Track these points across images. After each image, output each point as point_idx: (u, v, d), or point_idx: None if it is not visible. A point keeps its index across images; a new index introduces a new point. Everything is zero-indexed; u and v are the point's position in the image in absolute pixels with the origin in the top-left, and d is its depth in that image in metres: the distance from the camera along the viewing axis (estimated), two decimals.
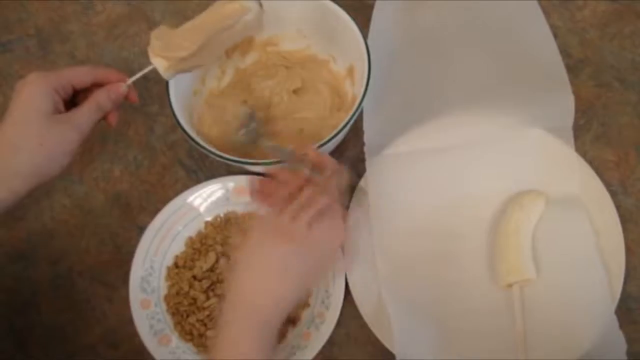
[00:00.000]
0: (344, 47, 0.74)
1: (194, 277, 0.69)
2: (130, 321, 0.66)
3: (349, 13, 0.71)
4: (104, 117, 0.66)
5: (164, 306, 0.68)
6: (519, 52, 0.77)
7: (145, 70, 0.66)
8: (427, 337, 0.65)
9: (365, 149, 0.71)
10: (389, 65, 0.76)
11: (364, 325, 0.66)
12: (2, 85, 0.83)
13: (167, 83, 0.69)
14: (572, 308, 0.65)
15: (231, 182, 0.72)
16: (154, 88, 0.80)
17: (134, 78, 0.67)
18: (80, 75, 0.65)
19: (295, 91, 0.76)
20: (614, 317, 0.64)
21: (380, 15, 0.79)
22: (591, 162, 0.71)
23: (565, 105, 0.72)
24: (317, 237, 0.60)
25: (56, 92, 0.63)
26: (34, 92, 0.62)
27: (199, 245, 0.71)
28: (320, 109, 0.75)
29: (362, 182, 0.71)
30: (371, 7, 0.80)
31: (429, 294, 0.68)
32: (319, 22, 0.75)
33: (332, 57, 0.77)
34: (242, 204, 0.72)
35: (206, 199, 0.72)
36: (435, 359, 0.64)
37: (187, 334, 0.67)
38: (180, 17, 0.84)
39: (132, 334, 0.66)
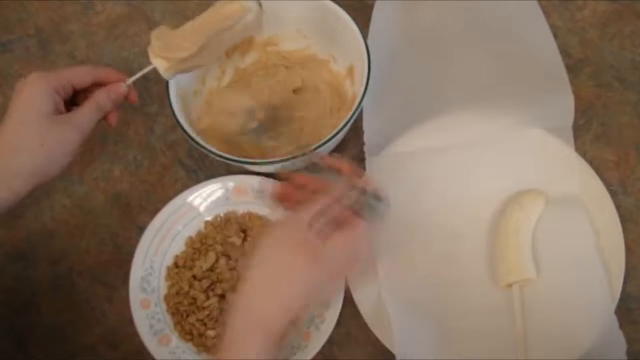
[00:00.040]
0: (344, 47, 0.74)
1: (194, 277, 0.69)
2: (130, 321, 0.66)
3: (349, 13, 0.72)
4: (104, 117, 0.66)
5: (163, 306, 0.68)
6: (519, 52, 0.77)
7: (145, 70, 0.67)
8: (427, 337, 0.65)
9: (365, 148, 0.71)
10: (389, 65, 0.76)
11: (363, 325, 0.66)
12: (2, 85, 0.83)
13: (167, 83, 0.69)
14: (572, 308, 0.65)
15: (231, 182, 0.72)
16: (154, 88, 0.80)
17: (134, 78, 0.67)
18: (80, 75, 0.65)
19: (295, 91, 0.76)
20: (614, 317, 0.64)
21: (380, 15, 0.79)
22: (591, 162, 0.71)
23: (565, 105, 0.72)
24: (331, 250, 0.57)
25: (56, 92, 0.63)
26: (34, 93, 0.62)
27: (199, 245, 0.71)
28: (320, 109, 0.75)
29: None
30: (371, 7, 0.80)
31: (428, 294, 0.68)
32: (318, 22, 0.75)
33: (332, 57, 0.77)
34: (242, 203, 0.72)
35: (206, 198, 0.72)
36: (435, 359, 0.64)
37: (187, 334, 0.67)
38: (180, 17, 0.84)
39: (132, 334, 0.66)
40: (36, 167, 0.62)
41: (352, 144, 0.74)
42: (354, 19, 0.71)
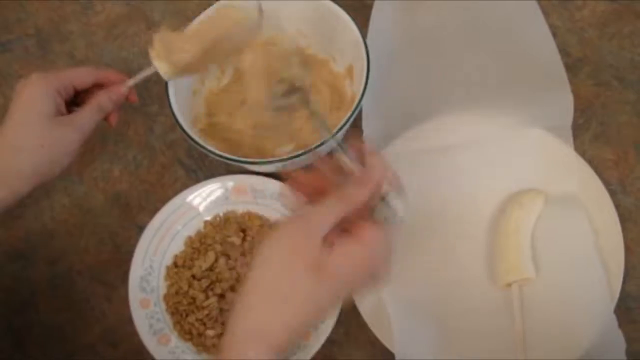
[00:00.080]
0: (343, 47, 0.74)
1: (193, 277, 0.69)
2: (129, 320, 0.66)
3: (348, 13, 0.72)
4: (105, 118, 0.66)
5: (163, 305, 0.68)
6: (518, 51, 0.77)
7: (147, 73, 0.67)
8: (427, 337, 0.65)
9: None
10: (388, 65, 0.77)
11: (363, 325, 0.66)
12: (1, 85, 0.83)
13: (166, 83, 0.69)
14: (571, 307, 0.65)
15: (230, 182, 0.72)
16: (154, 88, 0.80)
17: (135, 80, 0.67)
18: (81, 76, 0.65)
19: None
20: (613, 316, 0.64)
21: (379, 15, 0.79)
22: (590, 161, 0.71)
23: (564, 104, 0.72)
24: (340, 265, 0.49)
25: (58, 93, 0.63)
26: (36, 93, 0.62)
27: (198, 244, 0.71)
28: (320, 108, 0.75)
29: None
30: (370, 7, 0.80)
31: (428, 294, 0.68)
32: (318, 22, 0.75)
33: (331, 56, 0.77)
34: (242, 203, 0.72)
35: (205, 198, 0.72)
36: (434, 359, 0.64)
37: (187, 334, 0.67)
38: (179, 17, 0.84)
39: (132, 333, 0.66)
40: (37, 167, 0.62)
41: None
42: (354, 19, 0.71)
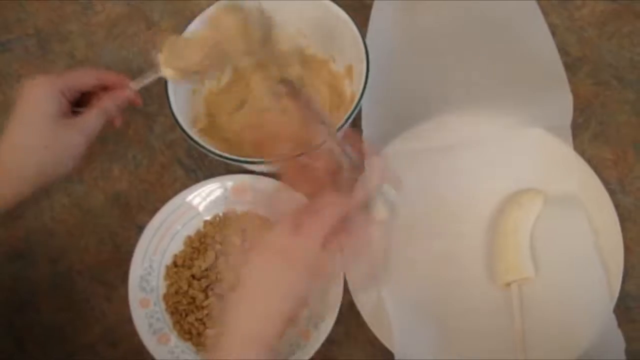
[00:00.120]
0: (343, 47, 0.74)
1: (193, 276, 0.69)
2: (129, 320, 0.66)
3: (347, 13, 0.72)
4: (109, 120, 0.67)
5: (163, 305, 0.68)
6: (518, 51, 0.77)
7: (152, 78, 0.67)
8: (427, 337, 0.65)
9: None
10: (388, 65, 0.76)
11: (363, 324, 0.66)
12: (1, 85, 0.83)
13: (166, 83, 0.69)
14: (570, 307, 0.65)
15: (230, 181, 0.72)
16: (154, 88, 0.79)
17: (140, 84, 0.67)
18: (85, 78, 0.66)
19: None
20: (613, 315, 0.64)
21: (378, 15, 0.79)
22: (589, 161, 0.71)
23: (563, 104, 0.72)
24: (327, 260, 0.53)
25: (62, 95, 0.63)
26: (41, 95, 0.62)
27: (198, 244, 0.71)
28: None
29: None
30: (370, 7, 0.79)
31: (428, 294, 0.68)
32: (318, 22, 0.75)
33: (331, 56, 0.77)
34: (241, 203, 0.72)
35: (205, 198, 0.72)
36: (434, 359, 0.64)
37: (186, 333, 0.67)
38: (179, 17, 0.85)
39: (131, 333, 0.66)
40: (41, 167, 0.62)
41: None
42: (353, 19, 0.71)
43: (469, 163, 0.72)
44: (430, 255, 0.69)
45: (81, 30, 0.86)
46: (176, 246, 0.71)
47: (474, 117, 0.73)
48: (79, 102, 0.66)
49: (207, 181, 0.72)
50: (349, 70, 0.74)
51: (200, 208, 0.72)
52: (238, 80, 0.78)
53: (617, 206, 0.68)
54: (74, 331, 0.70)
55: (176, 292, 0.68)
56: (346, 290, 0.66)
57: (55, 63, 0.84)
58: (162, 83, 0.69)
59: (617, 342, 0.62)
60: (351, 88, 0.74)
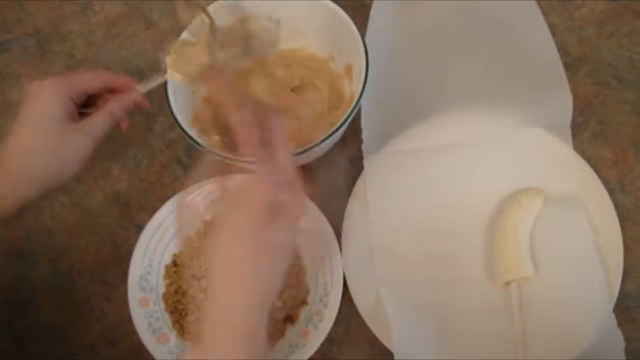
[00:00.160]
0: (342, 46, 0.74)
1: (193, 276, 0.69)
2: (128, 320, 0.66)
3: (347, 12, 0.72)
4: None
5: (162, 305, 0.68)
6: (517, 51, 0.77)
7: (158, 82, 0.67)
8: (426, 337, 0.65)
9: (363, 147, 0.71)
10: (387, 64, 0.77)
11: (362, 324, 0.66)
12: (0, 85, 0.83)
13: (165, 82, 0.69)
14: (570, 306, 0.65)
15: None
16: (154, 88, 0.79)
17: (146, 87, 0.67)
18: (92, 81, 0.66)
19: (294, 89, 0.76)
20: (612, 315, 0.64)
21: (377, 15, 0.79)
22: (589, 160, 0.71)
23: (563, 103, 0.72)
24: (279, 236, 0.53)
25: (69, 98, 0.63)
26: (48, 98, 0.62)
27: (198, 244, 0.71)
28: (319, 107, 0.75)
29: (360, 181, 0.72)
30: (369, 6, 0.80)
31: (427, 293, 0.68)
32: (318, 21, 0.75)
33: (331, 56, 0.77)
34: None
35: (205, 197, 0.72)
36: (434, 359, 0.64)
37: (186, 333, 0.67)
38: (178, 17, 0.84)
39: (131, 332, 0.66)
40: (48, 170, 0.62)
41: (350, 143, 0.75)
42: (353, 19, 0.71)
43: (469, 163, 0.72)
44: (430, 255, 0.69)
45: (80, 30, 0.86)
46: (176, 246, 0.71)
47: (474, 116, 0.73)
48: (86, 103, 0.66)
49: (207, 181, 0.72)
50: (349, 69, 0.74)
51: (200, 208, 0.72)
52: (237, 79, 0.78)
53: (616, 206, 0.68)
54: (73, 331, 0.70)
55: (176, 292, 0.68)
56: (346, 290, 0.66)
57: (55, 63, 0.84)
58: (162, 83, 0.69)
59: (617, 341, 0.62)
60: (350, 87, 0.74)
